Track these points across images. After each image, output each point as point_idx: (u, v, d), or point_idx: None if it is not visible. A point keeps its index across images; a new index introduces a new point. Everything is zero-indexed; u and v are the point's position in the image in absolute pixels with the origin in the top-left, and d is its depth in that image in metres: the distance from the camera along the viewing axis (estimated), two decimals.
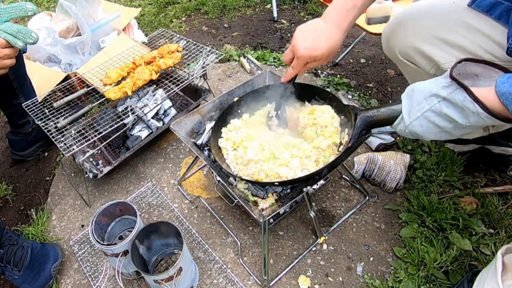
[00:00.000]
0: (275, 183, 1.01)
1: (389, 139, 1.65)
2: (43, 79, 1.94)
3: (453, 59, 1.07)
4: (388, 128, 1.58)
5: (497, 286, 0.81)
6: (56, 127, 1.51)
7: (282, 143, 1.12)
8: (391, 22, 1.25)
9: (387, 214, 1.42)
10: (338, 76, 2.17)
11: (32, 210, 1.60)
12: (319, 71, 2.22)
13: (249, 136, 1.15)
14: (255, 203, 1.07)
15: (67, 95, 1.67)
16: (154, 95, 1.73)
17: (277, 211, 1.06)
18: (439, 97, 0.77)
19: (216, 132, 1.21)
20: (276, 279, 1.26)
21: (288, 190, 1.11)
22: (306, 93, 1.22)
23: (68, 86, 1.73)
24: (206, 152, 1.24)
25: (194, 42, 1.84)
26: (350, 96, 1.99)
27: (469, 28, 1.02)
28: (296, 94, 1.22)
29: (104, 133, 1.46)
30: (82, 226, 1.52)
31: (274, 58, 2.34)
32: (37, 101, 1.58)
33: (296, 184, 1.09)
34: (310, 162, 1.07)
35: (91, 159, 1.64)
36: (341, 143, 1.08)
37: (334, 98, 1.16)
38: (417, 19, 1.15)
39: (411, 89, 0.85)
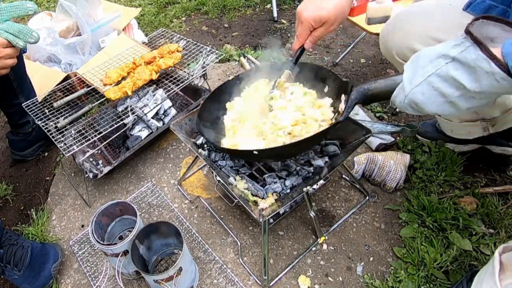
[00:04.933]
0: (254, 151, 0.95)
1: (389, 139, 1.65)
2: (43, 79, 1.94)
3: None
4: (388, 128, 1.59)
5: (494, 285, 0.81)
6: (56, 127, 1.51)
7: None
8: (388, 24, 1.26)
9: (387, 214, 1.42)
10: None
11: (32, 210, 1.59)
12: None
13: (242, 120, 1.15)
14: (255, 203, 1.07)
15: (67, 95, 1.68)
16: (154, 95, 1.73)
17: (277, 211, 1.06)
18: (447, 57, 0.68)
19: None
20: (276, 279, 1.26)
21: (288, 190, 1.12)
22: (306, 73, 1.18)
23: (68, 86, 1.73)
24: (206, 152, 1.24)
25: (194, 42, 1.84)
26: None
27: None
28: (297, 72, 1.18)
29: (104, 133, 1.46)
30: (82, 226, 1.52)
31: (274, 58, 2.34)
32: (37, 101, 1.58)
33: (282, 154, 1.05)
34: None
35: (91, 159, 1.64)
36: (339, 112, 1.00)
37: (334, 76, 1.10)
38: (414, 20, 1.16)
39: (417, 54, 0.76)
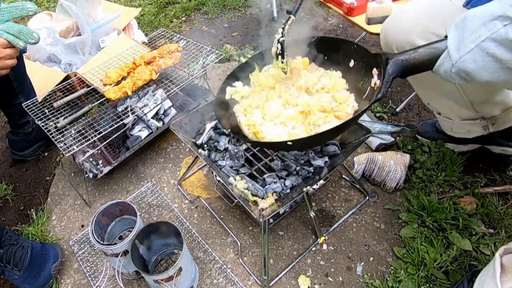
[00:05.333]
0: (288, 142, 0.90)
1: (389, 139, 1.65)
2: (43, 79, 1.94)
3: None
4: (388, 128, 1.59)
5: None
6: (56, 127, 1.51)
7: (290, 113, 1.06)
8: (389, 19, 1.27)
9: (387, 214, 1.42)
10: None
11: (32, 210, 1.59)
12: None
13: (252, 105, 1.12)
14: (255, 203, 1.07)
15: (67, 95, 1.67)
16: (154, 95, 1.73)
17: (277, 211, 1.06)
18: (506, 18, 0.60)
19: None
20: (276, 279, 1.26)
21: (288, 190, 1.12)
22: (326, 47, 1.12)
23: (68, 86, 1.73)
24: (206, 152, 1.24)
25: (194, 42, 1.84)
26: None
27: None
28: (316, 49, 1.13)
29: (104, 133, 1.46)
30: (82, 226, 1.52)
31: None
32: (37, 101, 1.58)
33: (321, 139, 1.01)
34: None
35: (91, 159, 1.64)
36: (372, 88, 0.93)
37: (360, 49, 1.02)
38: (414, 15, 1.17)
39: (463, 17, 0.68)
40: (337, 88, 1.09)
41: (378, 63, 0.89)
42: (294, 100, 1.10)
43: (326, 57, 1.14)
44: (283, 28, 1.10)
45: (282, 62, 1.11)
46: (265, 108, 1.11)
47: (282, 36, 1.08)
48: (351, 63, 1.08)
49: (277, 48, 1.11)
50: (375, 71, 0.92)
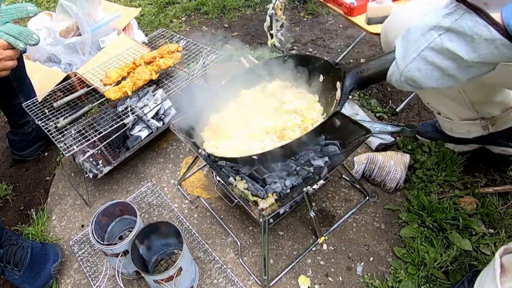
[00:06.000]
0: (252, 156, 0.94)
1: (389, 139, 1.65)
2: (43, 79, 1.94)
3: None
4: (388, 128, 1.59)
5: None
6: (56, 127, 1.51)
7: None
8: (389, 18, 1.27)
9: (387, 214, 1.42)
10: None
11: (32, 210, 1.59)
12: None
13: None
14: (255, 203, 1.07)
15: (67, 95, 1.67)
16: (154, 95, 1.73)
17: (277, 211, 1.06)
18: (440, 28, 0.64)
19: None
20: (276, 279, 1.26)
21: (288, 190, 1.12)
22: (298, 64, 1.19)
23: (68, 86, 1.73)
24: (206, 152, 1.24)
25: (194, 42, 1.84)
26: (350, 96, 1.99)
27: None
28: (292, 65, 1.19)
29: (104, 133, 1.46)
30: (82, 226, 1.52)
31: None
32: (37, 101, 1.58)
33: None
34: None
35: (91, 159, 1.64)
36: (337, 101, 0.97)
37: (326, 64, 1.09)
38: (415, 15, 1.17)
39: (407, 29, 0.72)
40: (310, 111, 1.12)
41: (340, 76, 0.93)
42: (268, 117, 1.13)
43: (299, 74, 1.20)
44: (273, 3, 1.13)
45: (271, 36, 1.15)
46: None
47: (272, 10, 1.13)
48: (321, 78, 1.14)
49: (268, 21, 1.15)
50: (338, 85, 0.96)
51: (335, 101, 0.97)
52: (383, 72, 0.79)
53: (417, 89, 0.76)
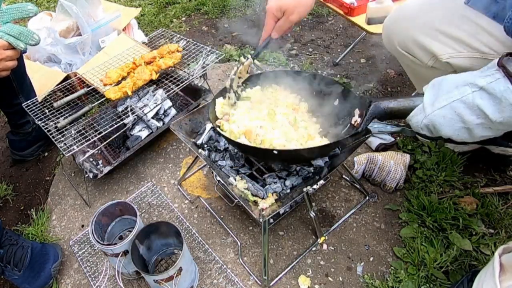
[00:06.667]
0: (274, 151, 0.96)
1: (389, 139, 1.65)
2: (43, 79, 1.94)
3: (451, 52, 1.09)
4: (388, 128, 1.59)
5: (495, 287, 0.81)
6: (56, 127, 1.51)
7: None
8: (391, 15, 1.28)
9: (387, 214, 1.42)
10: (338, 76, 2.17)
11: (32, 210, 1.59)
12: (319, 71, 2.22)
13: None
14: (255, 203, 1.07)
15: (67, 95, 1.67)
16: (154, 95, 1.73)
17: (277, 211, 1.06)
18: (475, 86, 0.71)
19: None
20: (276, 279, 1.26)
21: (288, 190, 1.12)
22: (317, 85, 1.21)
23: (68, 86, 1.73)
24: (206, 152, 1.24)
25: (194, 42, 1.84)
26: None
27: (468, 22, 1.03)
28: (308, 82, 1.22)
29: (104, 133, 1.46)
30: (82, 226, 1.52)
31: (274, 58, 2.34)
32: (37, 101, 1.58)
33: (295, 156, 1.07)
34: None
35: (91, 159, 1.64)
36: (352, 125, 1.05)
37: (347, 91, 1.13)
38: (417, 11, 1.17)
39: (440, 79, 0.80)
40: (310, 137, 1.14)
41: (361, 104, 1.01)
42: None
43: (314, 92, 1.22)
44: (237, 68, 1.18)
45: (229, 98, 1.19)
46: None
47: (233, 75, 1.17)
48: (336, 102, 1.18)
49: (229, 83, 1.18)
50: (357, 111, 1.03)
51: (350, 124, 1.05)
52: (406, 111, 0.85)
53: (432, 134, 0.82)
